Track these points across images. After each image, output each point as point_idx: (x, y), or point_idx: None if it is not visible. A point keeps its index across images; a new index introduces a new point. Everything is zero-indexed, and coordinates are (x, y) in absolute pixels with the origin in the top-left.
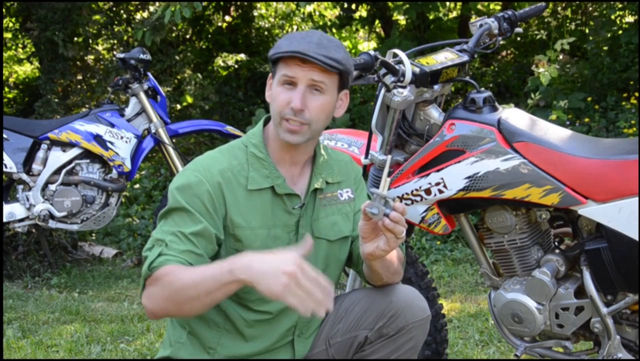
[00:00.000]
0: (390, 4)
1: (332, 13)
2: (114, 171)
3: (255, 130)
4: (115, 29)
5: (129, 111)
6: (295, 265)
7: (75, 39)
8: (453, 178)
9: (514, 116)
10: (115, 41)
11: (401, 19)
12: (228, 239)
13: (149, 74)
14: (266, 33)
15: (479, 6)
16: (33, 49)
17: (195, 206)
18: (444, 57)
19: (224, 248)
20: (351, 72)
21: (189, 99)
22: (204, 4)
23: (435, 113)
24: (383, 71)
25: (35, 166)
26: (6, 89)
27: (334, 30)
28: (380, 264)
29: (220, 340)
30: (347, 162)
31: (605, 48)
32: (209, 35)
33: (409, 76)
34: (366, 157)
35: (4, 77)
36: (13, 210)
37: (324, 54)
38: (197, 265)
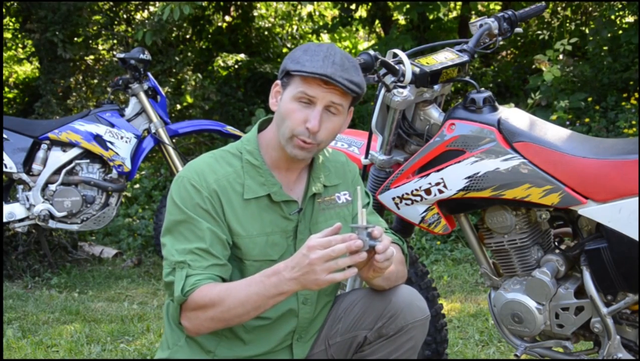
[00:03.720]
0: (390, 4)
1: (331, 13)
2: (114, 171)
3: (250, 136)
4: (115, 29)
5: (129, 111)
6: (310, 252)
7: (75, 39)
8: (453, 178)
9: (514, 116)
10: (115, 41)
11: (401, 19)
12: None
13: (149, 74)
14: (266, 33)
15: (479, 6)
16: (33, 49)
17: (201, 215)
18: (444, 57)
19: None
20: (364, 93)
21: (189, 99)
22: (204, 4)
23: (435, 113)
24: (383, 70)
25: (35, 166)
26: (6, 89)
27: (334, 30)
28: (380, 280)
29: (220, 344)
30: (343, 163)
31: (606, 48)
32: (209, 35)
33: (409, 76)
34: (366, 157)
35: (4, 77)
36: (13, 210)
37: (347, 77)
38: (227, 277)
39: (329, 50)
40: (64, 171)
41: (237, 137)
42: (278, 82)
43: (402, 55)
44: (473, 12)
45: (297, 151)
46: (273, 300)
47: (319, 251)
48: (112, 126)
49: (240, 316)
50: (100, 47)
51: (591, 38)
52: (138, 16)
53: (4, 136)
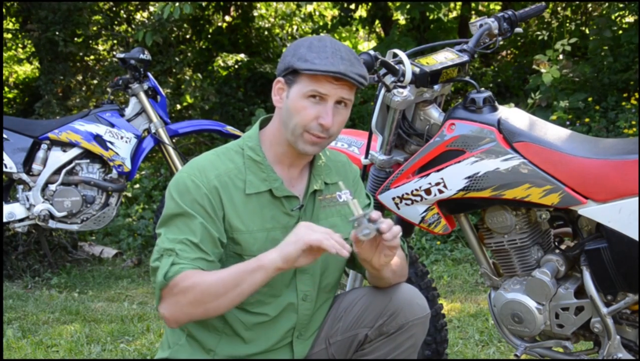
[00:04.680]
0: (390, 4)
1: (331, 13)
2: (114, 171)
3: (252, 133)
4: (115, 29)
5: (129, 111)
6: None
7: (76, 39)
8: (453, 178)
9: (514, 116)
10: (115, 41)
11: (401, 20)
12: (227, 242)
13: (149, 74)
14: (266, 33)
15: (480, 6)
16: (33, 49)
17: (196, 210)
18: (444, 57)
19: (225, 252)
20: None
21: (189, 100)
22: (204, 4)
23: (435, 113)
24: (383, 70)
25: (35, 166)
26: (6, 89)
27: (334, 30)
28: (389, 271)
29: (220, 342)
30: (345, 163)
31: (606, 48)
32: (209, 36)
33: (409, 76)
34: (366, 157)
35: (4, 77)
36: (13, 210)
37: (356, 72)
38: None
39: (333, 46)
40: (64, 171)
41: (237, 138)
42: (281, 79)
43: (402, 55)
44: (473, 12)
45: (309, 147)
46: (252, 276)
47: (318, 227)
48: (112, 126)
49: (219, 297)
50: (100, 48)
51: (592, 38)
52: (138, 16)
53: (4, 136)
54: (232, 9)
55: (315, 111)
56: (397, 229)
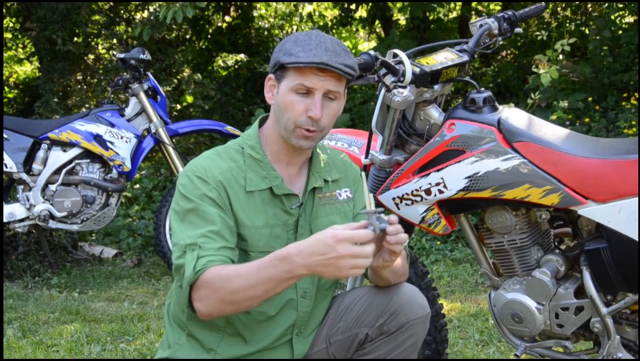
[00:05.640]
0: (390, 4)
1: (331, 13)
2: (114, 171)
3: (251, 132)
4: (115, 29)
5: (129, 111)
6: (338, 244)
7: (75, 38)
8: (453, 178)
9: (514, 116)
10: (115, 41)
11: (401, 20)
12: None
13: (149, 74)
14: (266, 33)
15: (479, 6)
16: (33, 49)
17: (208, 202)
18: (444, 57)
19: None
20: (357, 74)
21: (189, 99)
22: (204, 4)
23: (435, 113)
24: (383, 70)
25: (35, 166)
26: (6, 89)
27: (333, 30)
28: (388, 271)
29: (221, 342)
30: (345, 161)
31: (606, 48)
32: (209, 36)
33: (409, 76)
34: (366, 157)
35: (4, 77)
36: (13, 210)
37: (341, 62)
38: (238, 261)
39: (318, 38)
40: (64, 171)
41: (236, 138)
42: (272, 75)
43: (402, 55)
44: (473, 12)
45: (303, 142)
46: (285, 284)
47: (349, 246)
48: (112, 126)
49: (251, 299)
50: (99, 47)
51: (592, 38)
52: (138, 16)
53: (4, 136)
54: (232, 9)
55: (304, 104)
56: (404, 236)
